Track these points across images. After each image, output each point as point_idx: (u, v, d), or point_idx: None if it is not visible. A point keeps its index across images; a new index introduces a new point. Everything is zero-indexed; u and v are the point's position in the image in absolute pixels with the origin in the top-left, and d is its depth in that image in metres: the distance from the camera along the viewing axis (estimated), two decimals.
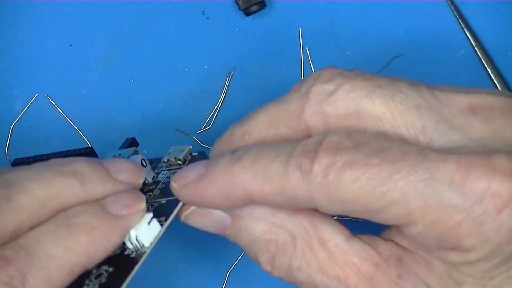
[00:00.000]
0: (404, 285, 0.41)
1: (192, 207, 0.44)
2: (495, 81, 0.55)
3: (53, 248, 0.41)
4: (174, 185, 0.43)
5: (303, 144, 0.40)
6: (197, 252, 0.53)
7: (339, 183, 0.39)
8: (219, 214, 0.44)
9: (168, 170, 0.46)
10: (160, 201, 0.45)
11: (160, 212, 0.44)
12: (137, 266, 0.42)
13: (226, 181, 0.41)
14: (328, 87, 0.42)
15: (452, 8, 0.55)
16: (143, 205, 0.43)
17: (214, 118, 0.55)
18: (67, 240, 0.41)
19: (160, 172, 0.47)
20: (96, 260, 0.41)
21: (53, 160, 0.43)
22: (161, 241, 0.46)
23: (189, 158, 0.46)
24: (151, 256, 0.46)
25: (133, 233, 0.42)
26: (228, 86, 0.55)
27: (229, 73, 0.55)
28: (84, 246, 0.41)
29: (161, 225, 0.43)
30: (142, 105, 0.56)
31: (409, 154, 0.38)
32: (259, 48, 0.56)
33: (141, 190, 0.45)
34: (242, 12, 0.55)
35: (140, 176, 0.45)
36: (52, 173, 0.42)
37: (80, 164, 0.43)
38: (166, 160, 0.46)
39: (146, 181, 0.45)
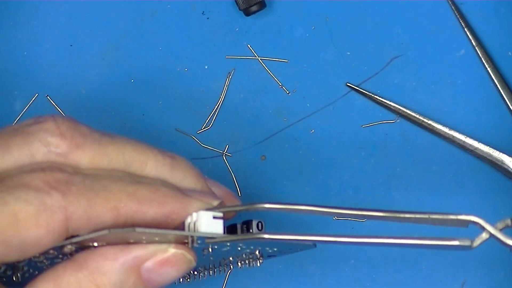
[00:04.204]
0: None
1: None
2: (495, 81, 0.55)
3: (110, 183, 0.41)
4: None
5: None
6: None
7: None
8: None
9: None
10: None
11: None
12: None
13: None
14: None
15: (452, 8, 0.55)
16: (215, 202, 0.43)
17: (214, 118, 0.55)
18: (126, 184, 0.41)
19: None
20: (141, 217, 0.41)
21: None
22: None
23: None
24: None
25: (195, 215, 0.42)
26: (228, 86, 0.55)
27: (229, 73, 0.55)
28: (141, 196, 0.41)
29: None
30: (142, 105, 0.56)
31: None
32: (259, 48, 0.56)
33: None
34: (242, 12, 0.55)
35: (232, 200, 0.45)
36: (151, 147, 0.43)
37: (182, 157, 0.44)
38: None
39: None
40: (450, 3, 0.55)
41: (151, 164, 0.43)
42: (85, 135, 0.42)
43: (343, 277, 0.55)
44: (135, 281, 0.41)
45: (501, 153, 0.54)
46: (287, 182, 0.53)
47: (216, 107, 0.55)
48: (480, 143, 0.55)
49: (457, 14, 0.55)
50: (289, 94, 0.56)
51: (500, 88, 0.54)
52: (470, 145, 0.55)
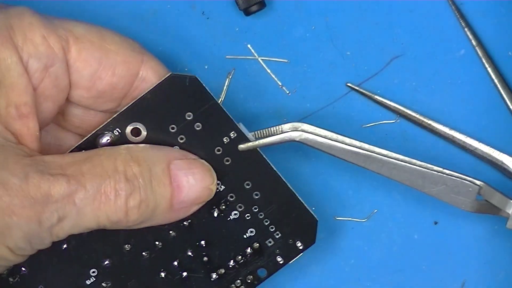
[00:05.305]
0: None
1: None
2: (495, 81, 0.55)
3: None
4: None
5: None
6: None
7: None
8: None
9: None
10: None
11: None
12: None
13: None
14: None
15: (452, 8, 0.55)
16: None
17: None
18: None
19: None
20: None
21: None
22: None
23: None
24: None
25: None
26: (228, 86, 0.55)
27: (229, 73, 0.55)
28: None
29: None
30: None
31: None
32: (259, 48, 0.56)
33: None
34: (242, 12, 0.55)
35: None
36: None
37: None
38: None
39: None
40: (450, 3, 0.55)
41: None
42: None
43: (343, 277, 0.56)
44: (163, 169, 0.47)
45: (501, 153, 0.54)
46: (287, 182, 0.53)
47: None
48: (480, 143, 0.55)
49: (457, 14, 0.55)
50: (289, 94, 0.56)
51: (500, 88, 0.55)
52: (470, 145, 0.55)
